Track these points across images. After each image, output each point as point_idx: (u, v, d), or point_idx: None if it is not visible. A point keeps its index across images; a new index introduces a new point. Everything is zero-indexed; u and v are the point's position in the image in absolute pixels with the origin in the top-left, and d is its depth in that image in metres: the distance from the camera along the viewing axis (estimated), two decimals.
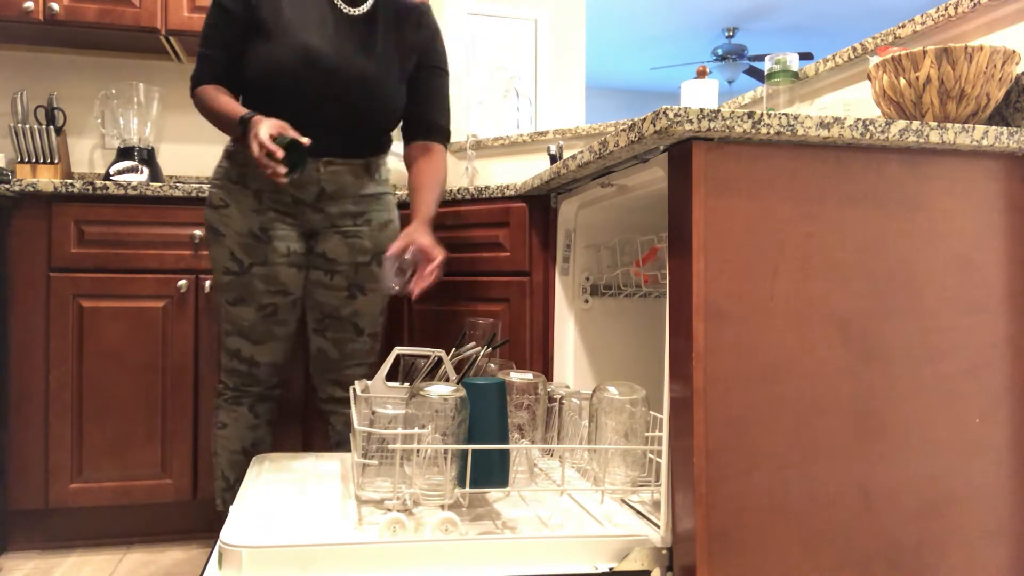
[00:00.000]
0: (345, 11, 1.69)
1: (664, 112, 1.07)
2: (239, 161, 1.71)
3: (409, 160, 1.81)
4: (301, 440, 2.22)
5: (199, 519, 2.22)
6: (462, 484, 1.21)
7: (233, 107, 1.63)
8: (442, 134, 1.82)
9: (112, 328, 2.11)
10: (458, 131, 3.14)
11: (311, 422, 2.24)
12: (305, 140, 1.50)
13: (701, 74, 2.09)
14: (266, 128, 1.48)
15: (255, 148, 1.48)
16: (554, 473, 1.49)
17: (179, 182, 2.80)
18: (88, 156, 2.78)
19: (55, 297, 2.08)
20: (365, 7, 1.70)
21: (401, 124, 1.82)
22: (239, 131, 1.58)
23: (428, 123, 1.80)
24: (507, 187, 1.97)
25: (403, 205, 2.07)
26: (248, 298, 1.71)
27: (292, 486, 1.39)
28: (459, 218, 2.06)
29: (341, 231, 1.76)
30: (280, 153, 1.46)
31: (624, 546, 1.16)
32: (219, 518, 2.09)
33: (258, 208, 1.70)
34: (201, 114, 1.71)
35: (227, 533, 1.11)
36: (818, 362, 1.14)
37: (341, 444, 1.86)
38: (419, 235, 1.62)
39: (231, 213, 1.69)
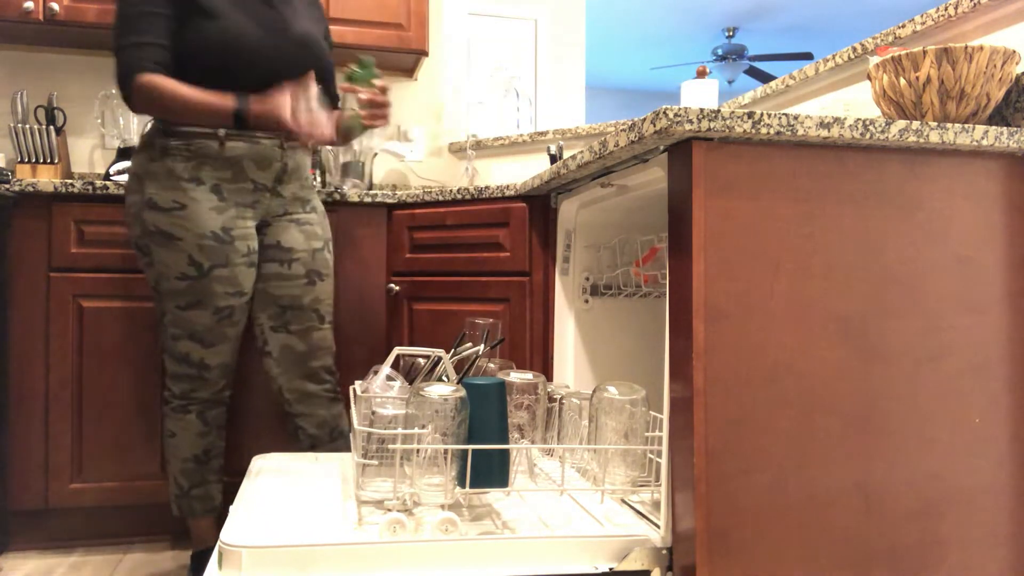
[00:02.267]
0: None
1: (664, 112, 1.07)
2: (186, 156, 1.62)
3: None
4: None
5: None
6: (462, 484, 1.21)
7: (209, 94, 1.58)
8: None
9: (112, 328, 2.11)
10: (458, 131, 3.14)
11: None
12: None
13: (701, 74, 2.09)
14: (290, 102, 1.56)
15: (305, 123, 1.57)
16: (554, 473, 1.49)
17: None
18: (88, 156, 2.78)
19: (55, 297, 2.08)
20: None
21: None
22: (233, 119, 1.58)
23: None
24: (507, 187, 1.97)
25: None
26: (205, 301, 1.64)
27: (292, 486, 1.39)
28: (459, 218, 2.06)
29: (294, 219, 1.78)
30: (329, 129, 1.63)
31: (624, 546, 1.16)
32: (175, 522, 2.12)
33: (219, 205, 1.65)
34: (151, 105, 1.59)
35: (227, 533, 1.11)
36: (818, 362, 1.14)
37: (315, 447, 1.81)
38: None
39: (188, 215, 1.61)
